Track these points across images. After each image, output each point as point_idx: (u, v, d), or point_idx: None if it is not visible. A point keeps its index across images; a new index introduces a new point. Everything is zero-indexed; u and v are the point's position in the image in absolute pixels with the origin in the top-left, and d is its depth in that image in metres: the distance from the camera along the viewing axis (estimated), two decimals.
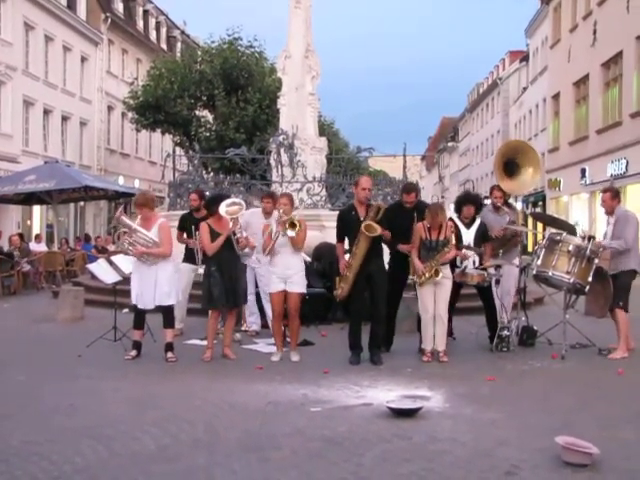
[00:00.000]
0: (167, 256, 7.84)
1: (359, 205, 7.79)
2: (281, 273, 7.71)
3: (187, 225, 9.15)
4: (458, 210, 8.60)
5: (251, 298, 9.46)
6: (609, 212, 8.29)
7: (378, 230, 7.45)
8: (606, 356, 8.03)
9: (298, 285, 7.79)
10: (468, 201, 8.59)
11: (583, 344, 8.47)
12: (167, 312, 7.89)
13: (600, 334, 8.59)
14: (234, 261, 7.88)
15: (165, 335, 7.89)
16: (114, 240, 7.88)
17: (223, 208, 7.71)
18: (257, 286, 9.42)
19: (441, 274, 7.67)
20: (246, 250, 8.20)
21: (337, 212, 11.93)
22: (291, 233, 7.54)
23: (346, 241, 7.94)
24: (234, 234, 7.76)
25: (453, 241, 7.85)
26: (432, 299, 7.82)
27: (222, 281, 7.77)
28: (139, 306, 7.82)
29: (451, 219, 8.50)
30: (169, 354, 7.76)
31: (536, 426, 5.28)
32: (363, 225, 7.45)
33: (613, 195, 8.28)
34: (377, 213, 7.56)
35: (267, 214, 8.98)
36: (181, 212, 10.79)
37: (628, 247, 8.00)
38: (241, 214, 7.84)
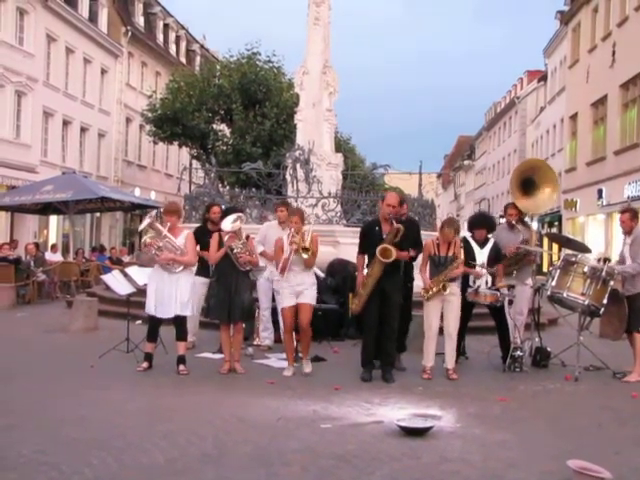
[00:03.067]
0: (192, 265, 8.03)
1: (383, 221, 7.77)
2: (292, 289, 7.72)
3: (202, 238, 9.18)
4: (471, 230, 8.60)
5: (266, 313, 9.48)
6: (628, 232, 8.24)
7: (393, 255, 7.42)
8: (620, 379, 7.96)
9: (309, 297, 7.80)
10: (479, 225, 8.56)
11: (597, 367, 8.40)
12: (180, 324, 7.93)
13: (614, 357, 8.52)
14: (234, 276, 7.85)
15: (177, 348, 7.91)
16: (140, 247, 7.87)
17: (228, 224, 7.74)
18: (274, 300, 9.41)
19: (449, 289, 7.69)
20: (261, 264, 8.22)
21: (352, 228, 12.00)
22: (304, 256, 7.57)
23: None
24: (231, 250, 7.77)
25: (462, 257, 7.86)
26: (437, 316, 7.90)
27: (219, 294, 7.86)
28: (158, 315, 7.80)
29: (465, 238, 8.50)
30: (181, 367, 7.78)
31: (547, 448, 5.24)
32: (379, 250, 7.42)
33: (632, 216, 8.23)
34: (395, 235, 7.53)
35: (282, 223, 9.05)
36: (196, 225, 10.82)
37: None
38: (238, 227, 7.80)
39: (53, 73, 27.94)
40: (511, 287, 8.32)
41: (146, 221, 7.95)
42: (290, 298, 7.73)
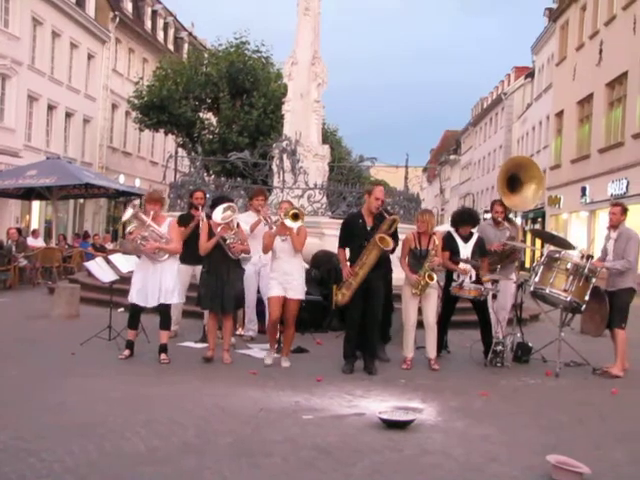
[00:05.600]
0: (178, 253, 7.96)
1: (368, 214, 7.78)
2: (281, 279, 7.69)
3: (187, 224, 9.14)
4: (455, 226, 8.59)
5: (251, 305, 9.45)
6: (614, 226, 8.27)
7: (391, 244, 7.48)
8: (603, 369, 8.03)
9: (297, 292, 7.77)
10: (464, 222, 8.56)
11: (578, 362, 8.47)
12: (165, 313, 7.89)
13: (595, 353, 8.60)
14: (226, 265, 7.82)
15: (160, 336, 7.88)
16: (125, 236, 7.75)
17: (219, 215, 7.71)
18: (259, 292, 9.39)
19: (436, 278, 7.78)
20: (247, 255, 8.20)
21: (337, 220, 12.00)
22: (292, 224, 7.50)
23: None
24: (224, 240, 7.74)
25: (439, 250, 7.95)
26: (415, 308, 8.00)
27: (210, 284, 7.82)
28: (141, 303, 7.77)
29: (449, 232, 8.52)
30: (162, 355, 7.75)
31: (528, 443, 5.27)
32: (378, 237, 7.44)
33: (622, 210, 8.27)
34: (390, 226, 7.57)
35: (257, 212, 9.08)
36: (180, 213, 10.76)
37: (631, 267, 8.01)
38: (234, 217, 7.81)
39: (39, 57, 27.66)
40: (495, 282, 8.36)
41: (129, 211, 7.82)
42: (278, 288, 7.70)
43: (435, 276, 7.79)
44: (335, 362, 7.86)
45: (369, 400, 6.41)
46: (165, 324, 7.92)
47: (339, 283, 7.82)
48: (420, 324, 8.09)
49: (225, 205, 7.83)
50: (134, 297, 7.77)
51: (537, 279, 8.14)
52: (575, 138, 29.50)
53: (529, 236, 26.16)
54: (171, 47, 40.89)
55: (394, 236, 7.93)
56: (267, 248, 7.74)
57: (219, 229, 7.71)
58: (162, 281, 7.72)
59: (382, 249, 7.47)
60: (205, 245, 7.84)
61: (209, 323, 8.06)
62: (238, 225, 8.04)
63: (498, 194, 9.30)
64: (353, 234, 7.74)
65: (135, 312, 7.93)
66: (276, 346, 8.08)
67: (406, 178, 16.84)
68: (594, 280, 7.98)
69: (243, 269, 8.25)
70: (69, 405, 5.80)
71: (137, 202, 7.82)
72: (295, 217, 7.50)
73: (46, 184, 18.56)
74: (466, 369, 8.17)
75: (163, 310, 7.86)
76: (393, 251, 8.15)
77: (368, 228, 7.66)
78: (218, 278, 7.79)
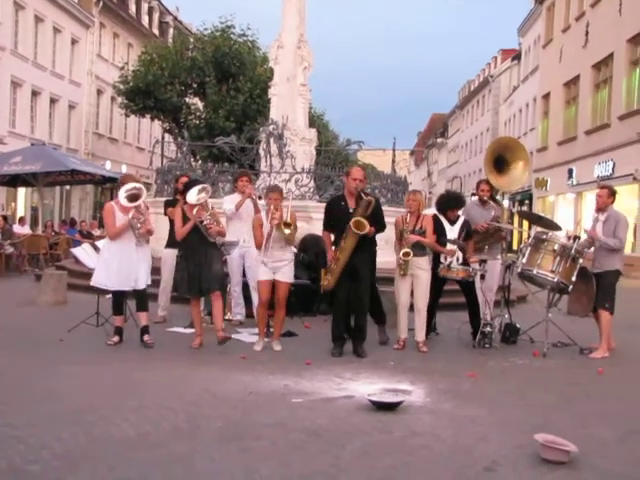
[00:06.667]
0: (152, 235, 8.00)
1: (349, 196, 7.76)
2: (271, 265, 7.69)
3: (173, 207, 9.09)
4: (443, 211, 8.56)
5: (237, 289, 9.44)
6: (601, 209, 8.28)
7: (367, 227, 7.43)
8: (587, 355, 8.09)
9: (286, 275, 7.79)
10: (452, 208, 8.57)
11: (565, 343, 8.53)
12: (142, 295, 7.88)
13: (582, 333, 8.65)
14: (202, 248, 7.75)
15: (140, 318, 7.87)
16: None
17: (193, 197, 7.66)
18: (244, 275, 9.38)
19: (411, 255, 7.77)
20: (233, 238, 8.17)
21: (324, 204, 11.99)
22: (286, 231, 7.53)
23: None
24: (201, 221, 7.71)
25: (429, 231, 7.99)
26: (408, 290, 8.02)
27: (187, 268, 7.77)
28: (126, 288, 7.75)
29: (435, 215, 8.52)
30: (146, 337, 7.75)
31: (516, 423, 5.31)
32: (352, 222, 7.42)
33: (610, 193, 8.28)
34: (367, 208, 7.53)
35: (242, 193, 9.08)
36: (167, 199, 10.72)
37: (622, 247, 8.05)
38: (204, 199, 7.74)
39: (21, 42, 27.37)
40: (483, 262, 8.38)
41: (130, 185, 7.68)
42: (267, 272, 7.70)
43: (411, 253, 7.78)
44: (324, 345, 7.87)
45: (358, 382, 6.43)
46: (143, 306, 7.89)
47: (326, 267, 7.82)
48: (412, 306, 8.12)
49: (199, 187, 7.77)
50: (118, 283, 7.69)
51: (524, 260, 8.17)
52: (562, 120, 29.56)
53: (516, 218, 26.27)
54: (156, 32, 40.56)
55: (378, 220, 7.91)
56: (259, 244, 7.70)
57: (194, 211, 7.68)
58: (142, 264, 7.77)
59: (356, 234, 7.43)
60: (181, 230, 7.79)
61: (192, 309, 8.00)
62: (212, 208, 8.01)
63: (485, 175, 9.32)
64: (336, 217, 7.73)
65: (119, 298, 7.91)
66: (265, 330, 8.08)
67: (393, 161, 16.90)
68: (581, 261, 8.02)
69: (220, 251, 8.18)
70: (58, 392, 5.78)
71: (134, 185, 7.71)
72: (287, 225, 7.51)
73: (32, 171, 18.43)
74: (454, 351, 8.22)
75: (140, 293, 7.84)
76: (376, 233, 8.13)
77: (350, 210, 7.62)
78: (195, 262, 7.73)
